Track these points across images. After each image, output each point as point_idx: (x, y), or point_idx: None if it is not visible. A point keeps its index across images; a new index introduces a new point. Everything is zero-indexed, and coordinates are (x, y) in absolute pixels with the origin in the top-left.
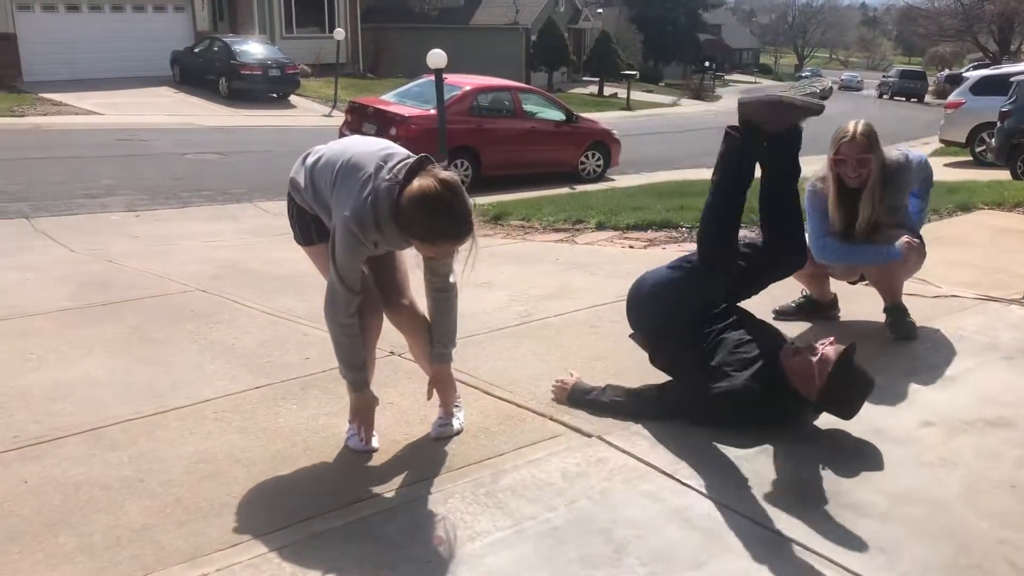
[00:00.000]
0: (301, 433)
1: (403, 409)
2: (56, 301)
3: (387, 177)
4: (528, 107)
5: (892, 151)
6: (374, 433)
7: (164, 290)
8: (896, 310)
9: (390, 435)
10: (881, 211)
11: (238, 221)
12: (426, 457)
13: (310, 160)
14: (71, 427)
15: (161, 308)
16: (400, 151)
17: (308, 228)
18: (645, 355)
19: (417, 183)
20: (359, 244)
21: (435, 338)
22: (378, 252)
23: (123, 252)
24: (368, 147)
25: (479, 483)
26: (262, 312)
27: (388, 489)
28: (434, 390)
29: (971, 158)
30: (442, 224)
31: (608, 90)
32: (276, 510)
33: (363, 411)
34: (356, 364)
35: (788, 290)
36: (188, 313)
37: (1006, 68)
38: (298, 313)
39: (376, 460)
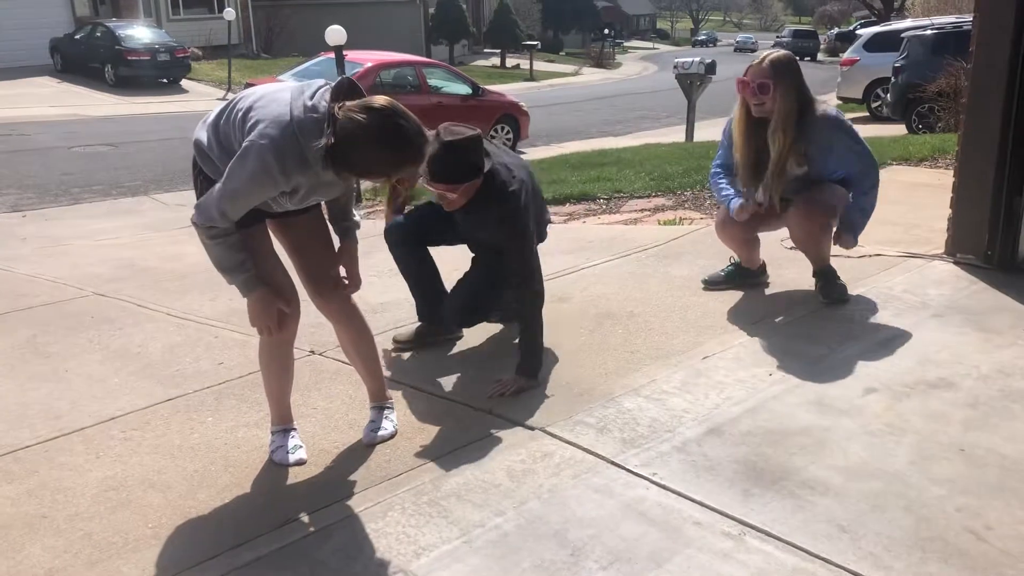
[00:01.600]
0: (220, 448)
1: (330, 414)
2: None
3: (309, 104)
4: (433, 82)
5: (822, 105)
6: (300, 444)
7: (58, 296)
8: (824, 274)
9: (318, 444)
10: (787, 152)
11: (134, 216)
12: (360, 466)
13: (212, 116)
14: None
15: (56, 317)
16: (317, 81)
17: None
18: (576, 335)
19: (352, 106)
20: (268, 178)
21: (335, 214)
22: (288, 203)
23: (10, 256)
24: (278, 86)
25: (420, 491)
26: (167, 315)
27: (320, 506)
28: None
29: (868, 113)
30: (399, 145)
31: (510, 61)
32: (198, 540)
33: (263, 313)
34: (232, 265)
35: (717, 259)
36: (86, 320)
37: (897, 24)
38: (206, 314)
39: (305, 473)
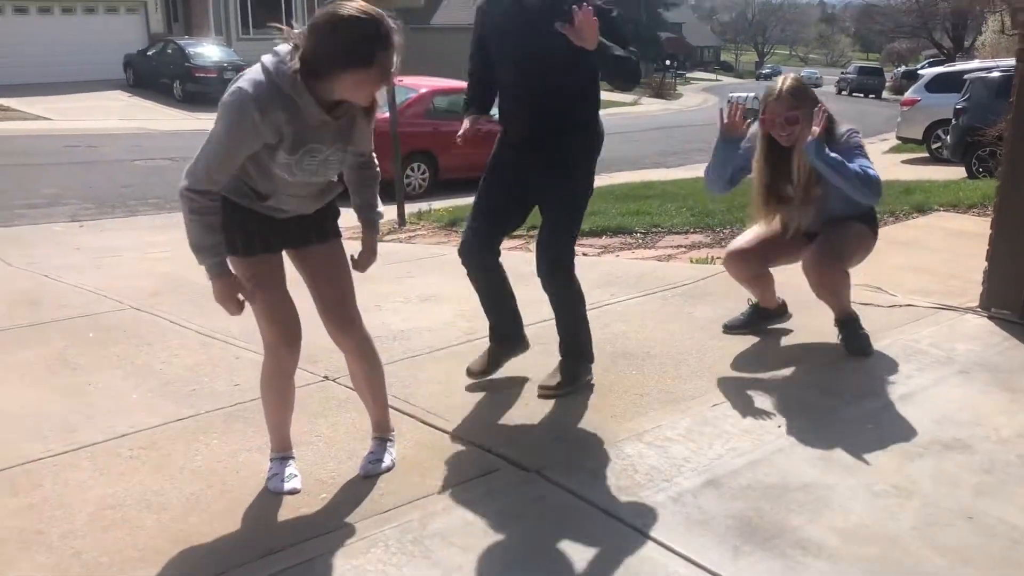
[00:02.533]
0: (219, 472)
1: (332, 442)
2: None
3: (280, 56)
4: None
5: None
6: (296, 473)
7: (96, 308)
8: (847, 324)
9: (315, 473)
10: (813, 176)
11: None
12: (352, 498)
13: None
14: None
15: (90, 329)
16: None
17: (232, 227)
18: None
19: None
20: (248, 123)
21: (361, 204)
22: (293, 170)
23: (61, 266)
24: None
25: (407, 528)
26: (195, 332)
27: (306, 537)
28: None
29: (927, 154)
30: (362, 31)
31: None
32: (182, 565)
33: (222, 300)
34: (205, 246)
35: (743, 301)
36: (118, 334)
37: (960, 65)
38: (232, 333)
39: (297, 503)
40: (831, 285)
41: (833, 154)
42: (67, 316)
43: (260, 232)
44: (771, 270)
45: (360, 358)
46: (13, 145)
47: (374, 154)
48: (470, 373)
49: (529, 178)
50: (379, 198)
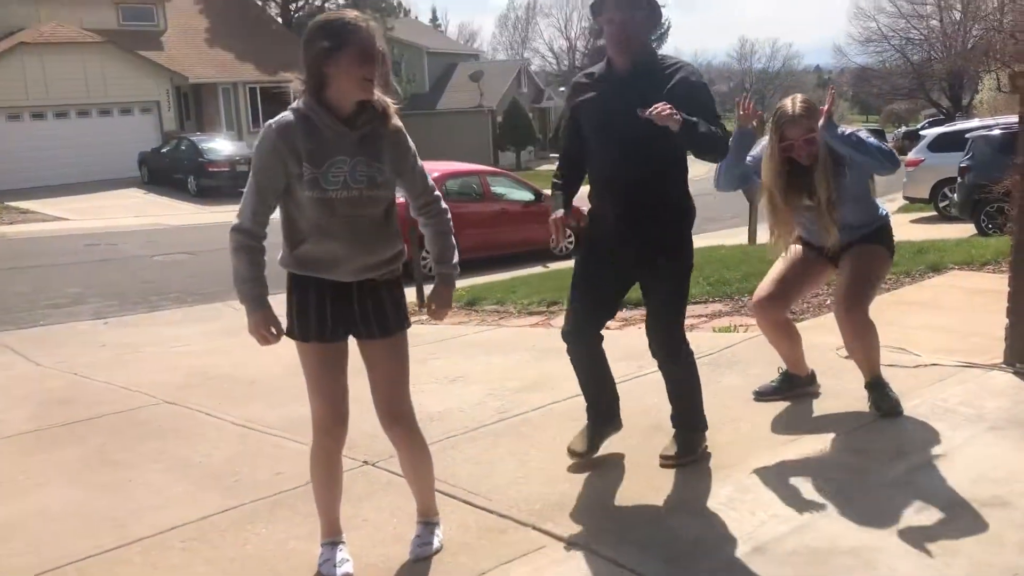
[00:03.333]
0: (270, 561)
1: (379, 526)
2: (14, 424)
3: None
4: (496, 189)
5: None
6: (347, 558)
7: (129, 404)
8: (876, 386)
9: (365, 558)
10: (833, 186)
11: (208, 322)
12: None
13: None
14: (16, 571)
15: (126, 425)
16: None
17: (292, 309)
18: (625, 447)
19: None
20: (269, 146)
21: (435, 257)
22: (329, 188)
23: (90, 363)
24: None
25: None
26: (232, 423)
27: None
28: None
29: (936, 213)
30: (329, 26)
31: None
32: None
33: (254, 331)
34: (247, 277)
35: (770, 369)
36: (154, 429)
37: (960, 125)
38: (269, 422)
39: None
40: (863, 337)
41: (849, 130)
42: (101, 413)
43: (319, 318)
44: (800, 331)
45: (408, 449)
46: (34, 246)
47: (439, 196)
48: (572, 453)
49: (626, 257)
50: (455, 252)
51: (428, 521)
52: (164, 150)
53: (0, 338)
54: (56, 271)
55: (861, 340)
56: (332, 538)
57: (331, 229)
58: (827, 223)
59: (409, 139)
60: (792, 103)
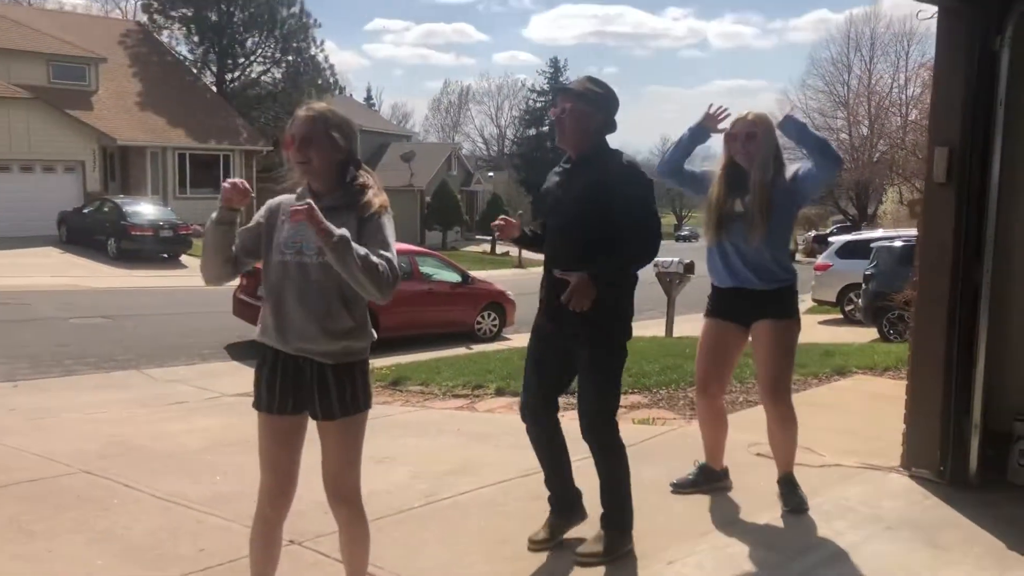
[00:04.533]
0: None
1: None
2: None
3: None
4: (425, 269)
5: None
6: None
7: (45, 472)
8: (787, 483)
9: None
10: (763, 195)
11: (125, 390)
12: None
13: None
14: None
15: (43, 494)
16: None
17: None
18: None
19: None
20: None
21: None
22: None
23: None
24: None
25: None
26: (152, 496)
27: None
28: None
29: (842, 316)
30: None
31: (500, 248)
32: None
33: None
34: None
35: (687, 462)
36: (72, 499)
37: (867, 234)
38: (190, 497)
39: None
40: (786, 429)
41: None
42: (14, 480)
43: (268, 388)
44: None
45: (347, 530)
46: None
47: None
48: (530, 542)
49: (558, 332)
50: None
51: None
52: (86, 210)
53: None
54: None
55: (784, 431)
56: None
57: (280, 286)
58: (753, 223)
59: (381, 217)
60: (749, 111)
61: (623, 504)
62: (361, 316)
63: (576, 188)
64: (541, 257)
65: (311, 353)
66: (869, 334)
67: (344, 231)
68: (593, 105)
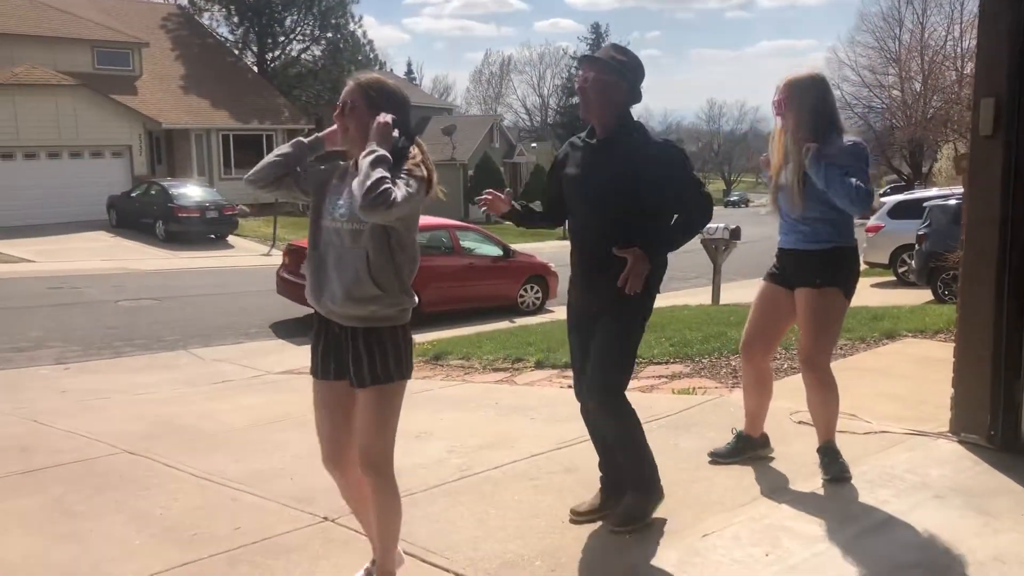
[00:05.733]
0: None
1: None
2: None
3: None
4: (466, 244)
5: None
6: None
7: (90, 454)
8: (828, 451)
9: None
10: (796, 163)
11: (172, 371)
12: None
13: None
14: None
15: (86, 475)
16: None
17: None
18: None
19: None
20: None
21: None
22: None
23: (50, 410)
24: None
25: None
26: (191, 475)
27: None
28: None
29: (895, 278)
30: None
31: None
32: None
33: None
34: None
35: (728, 432)
36: (114, 479)
37: (919, 193)
38: (229, 475)
39: None
40: (824, 394)
41: (825, 166)
42: (61, 462)
43: (314, 352)
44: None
45: (373, 501)
46: None
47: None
48: (574, 515)
49: (584, 310)
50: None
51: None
52: (134, 194)
53: None
54: (18, 314)
55: (823, 396)
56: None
57: (316, 245)
58: (793, 193)
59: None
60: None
61: (641, 466)
62: (389, 284)
63: (609, 165)
64: None
65: (339, 317)
66: (923, 296)
67: (382, 153)
68: (617, 74)
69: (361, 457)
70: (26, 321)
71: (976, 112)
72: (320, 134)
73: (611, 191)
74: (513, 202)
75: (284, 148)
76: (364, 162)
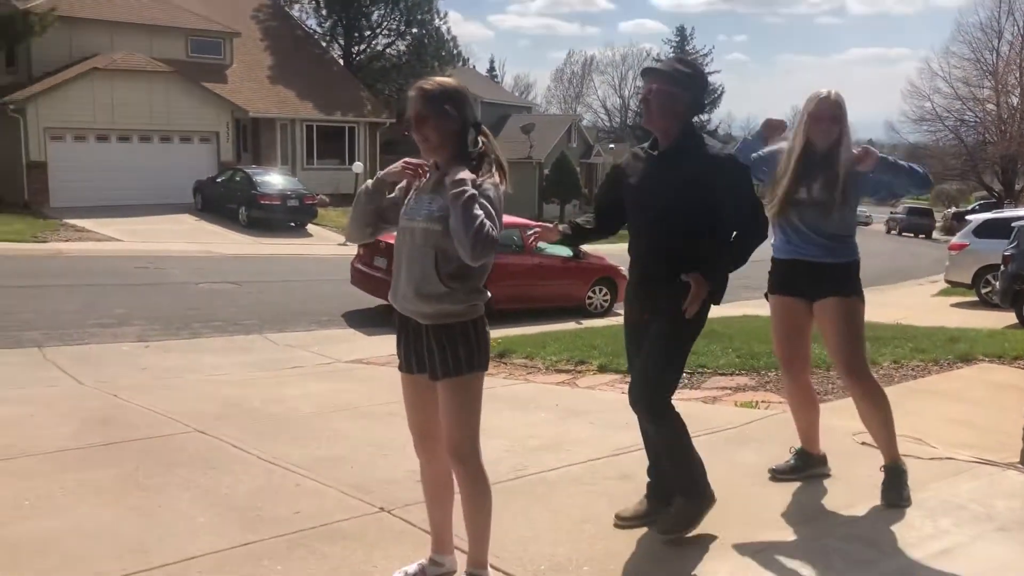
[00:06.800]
0: None
1: (388, 574)
2: (56, 440)
3: None
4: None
5: None
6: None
7: (164, 431)
8: (892, 472)
9: None
10: (847, 178)
11: (246, 354)
12: None
13: None
14: None
15: (158, 451)
16: None
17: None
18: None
19: None
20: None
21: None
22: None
23: (129, 386)
24: None
25: None
26: (257, 458)
27: None
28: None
29: (977, 299)
30: None
31: None
32: None
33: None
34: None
35: (781, 448)
36: (184, 457)
37: (1007, 212)
38: (293, 460)
39: None
40: (875, 402)
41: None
42: (136, 437)
43: (399, 347)
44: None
45: (461, 491)
46: (86, 266)
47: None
48: (619, 519)
49: (640, 319)
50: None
51: (469, 572)
52: (219, 179)
53: (48, 353)
54: (105, 291)
55: (876, 405)
56: (432, 553)
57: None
58: (833, 205)
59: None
60: (828, 90)
61: (689, 472)
62: (457, 282)
63: (672, 178)
64: None
65: (412, 313)
66: (1005, 319)
67: (471, 192)
68: (680, 86)
69: (447, 448)
70: (112, 298)
71: None
72: (381, 174)
73: (674, 203)
74: (560, 226)
75: (355, 208)
76: (457, 206)
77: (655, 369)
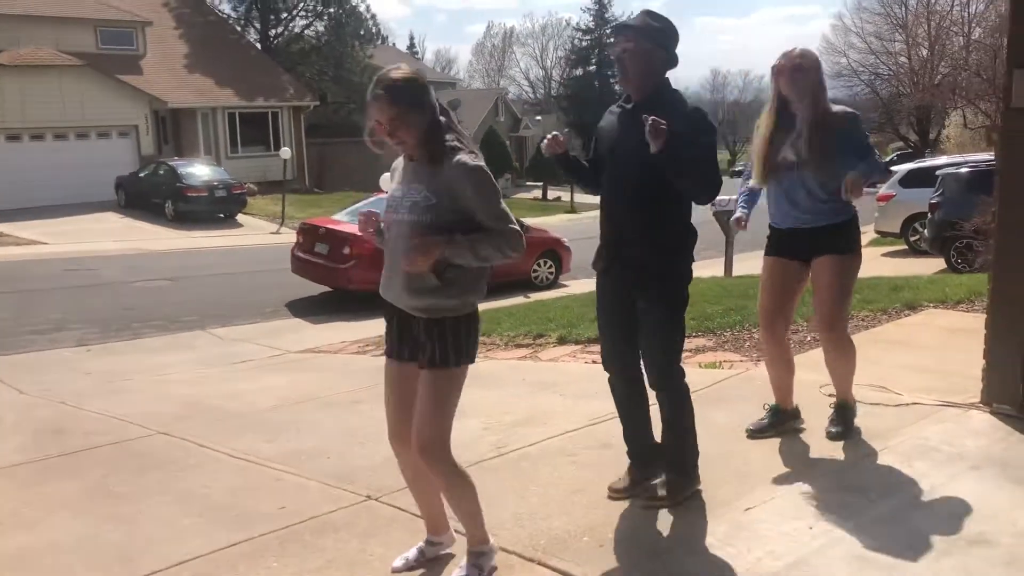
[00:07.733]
0: None
1: (388, 562)
2: (7, 455)
3: None
4: None
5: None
6: (411, 556)
7: (125, 435)
8: (840, 409)
9: None
10: (813, 133)
11: (192, 351)
12: None
13: None
14: None
15: (124, 456)
16: None
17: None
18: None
19: None
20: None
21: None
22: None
23: (77, 392)
24: None
25: None
26: (228, 456)
27: None
28: None
29: (907, 247)
30: None
31: (552, 193)
32: None
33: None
34: None
35: (753, 406)
36: (153, 461)
37: (930, 161)
38: (266, 455)
39: None
40: (844, 355)
41: (862, 167)
42: (96, 444)
43: (388, 335)
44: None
45: (439, 488)
46: (10, 271)
47: (511, 230)
48: (612, 492)
49: (618, 277)
50: (479, 248)
51: (470, 550)
52: (142, 174)
53: None
54: (35, 297)
55: (843, 357)
56: (428, 535)
57: (388, 248)
58: (813, 164)
59: (483, 180)
60: (795, 48)
61: (687, 448)
62: (450, 276)
63: (641, 133)
64: (595, 200)
65: (403, 306)
66: (935, 265)
67: (454, 248)
68: (654, 41)
69: (415, 446)
70: (45, 303)
71: (1009, 84)
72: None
73: (646, 156)
74: (568, 150)
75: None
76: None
77: (668, 346)
